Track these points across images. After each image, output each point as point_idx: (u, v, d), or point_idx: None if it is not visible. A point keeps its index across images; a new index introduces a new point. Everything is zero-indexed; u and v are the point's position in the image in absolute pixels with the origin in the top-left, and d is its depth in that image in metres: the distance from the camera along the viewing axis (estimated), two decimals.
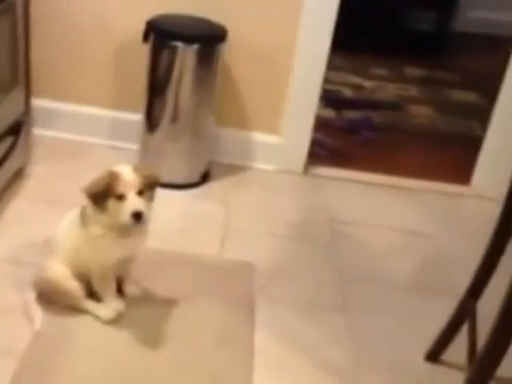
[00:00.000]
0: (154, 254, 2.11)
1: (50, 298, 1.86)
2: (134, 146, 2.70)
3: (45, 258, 1.85)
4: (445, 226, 2.65)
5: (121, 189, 1.70)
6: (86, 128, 2.81)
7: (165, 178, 2.52)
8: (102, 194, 1.71)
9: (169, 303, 1.96)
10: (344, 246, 2.40)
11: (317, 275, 2.22)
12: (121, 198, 1.70)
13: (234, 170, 2.81)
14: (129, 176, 1.72)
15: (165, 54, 2.47)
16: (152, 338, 1.82)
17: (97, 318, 1.85)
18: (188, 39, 2.43)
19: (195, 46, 2.44)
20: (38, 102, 2.74)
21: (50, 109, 2.78)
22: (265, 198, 2.66)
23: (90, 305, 1.86)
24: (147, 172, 1.78)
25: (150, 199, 1.78)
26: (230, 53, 2.63)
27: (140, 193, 1.72)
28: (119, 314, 1.87)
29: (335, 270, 2.26)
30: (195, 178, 2.66)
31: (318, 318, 2.01)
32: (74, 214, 1.86)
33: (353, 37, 3.88)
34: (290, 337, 1.92)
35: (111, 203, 1.71)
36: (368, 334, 1.99)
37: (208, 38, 2.50)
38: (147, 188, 1.75)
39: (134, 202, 1.70)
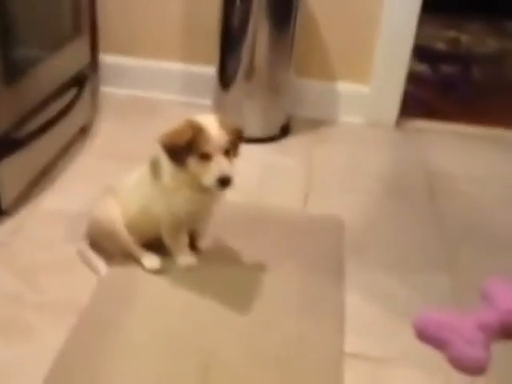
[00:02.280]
0: (233, 209, 1.89)
1: (98, 240, 1.67)
2: (208, 102, 2.48)
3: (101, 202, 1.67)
4: None
5: (207, 147, 1.45)
6: (156, 84, 2.63)
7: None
8: (183, 150, 1.46)
9: (247, 260, 1.73)
10: (444, 201, 2.10)
11: (415, 232, 1.94)
12: (206, 157, 1.46)
13: (317, 123, 2.56)
14: (216, 132, 1.46)
15: None
16: (226, 297, 1.59)
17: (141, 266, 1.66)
18: None
19: None
20: (107, 59, 2.58)
21: (119, 65, 2.62)
22: (352, 152, 2.39)
23: (138, 251, 1.66)
24: (233, 126, 1.52)
25: (235, 156, 1.54)
26: None
27: (226, 152, 1.48)
28: (190, 268, 1.67)
29: (436, 227, 1.97)
30: (274, 132, 2.42)
31: (417, 280, 1.73)
32: (143, 168, 1.63)
33: None
34: (386, 300, 1.65)
35: (193, 161, 1.47)
36: (476, 296, 1.69)
37: None
38: (233, 145, 1.50)
39: (221, 166, 1.46)
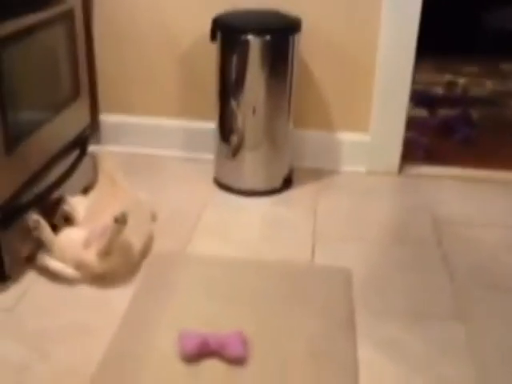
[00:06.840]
0: (240, 264, 1.88)
1: None
2: (209, 156, 2.48)
3: None
4: None
5: None
6: (156, 141, 2.63)
7: (244, 185, 2.37)
8: None
9: (256, 312, 1.70)
10: (453, 248, 2.08)
11: (424, 280, 1.91)
12: None
13: (320, 173, 2.55)
14: None
15: (234, 51, 2.24)
16: None
17: None
18: (259, 31, 2.20)
19: (267, 38, 2.20)
20: (104, 117, 2.59)
21: (118, 123, 2.62)
22: (357, 201, 2.37)
23: None
24: None
25: None
26: (307, 48, 2.41)
27: None
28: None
29: (446, 274, 1.94)
30: (277, 184, 2.41)
31: (429, 329, 1.70)
32: None
33: (440, 38, 3.61)
34: (398, 350, 1.61)
35: None
36: (493, 346, 1.65)
37: (281, 29, 2.26)
38: None
39: None
